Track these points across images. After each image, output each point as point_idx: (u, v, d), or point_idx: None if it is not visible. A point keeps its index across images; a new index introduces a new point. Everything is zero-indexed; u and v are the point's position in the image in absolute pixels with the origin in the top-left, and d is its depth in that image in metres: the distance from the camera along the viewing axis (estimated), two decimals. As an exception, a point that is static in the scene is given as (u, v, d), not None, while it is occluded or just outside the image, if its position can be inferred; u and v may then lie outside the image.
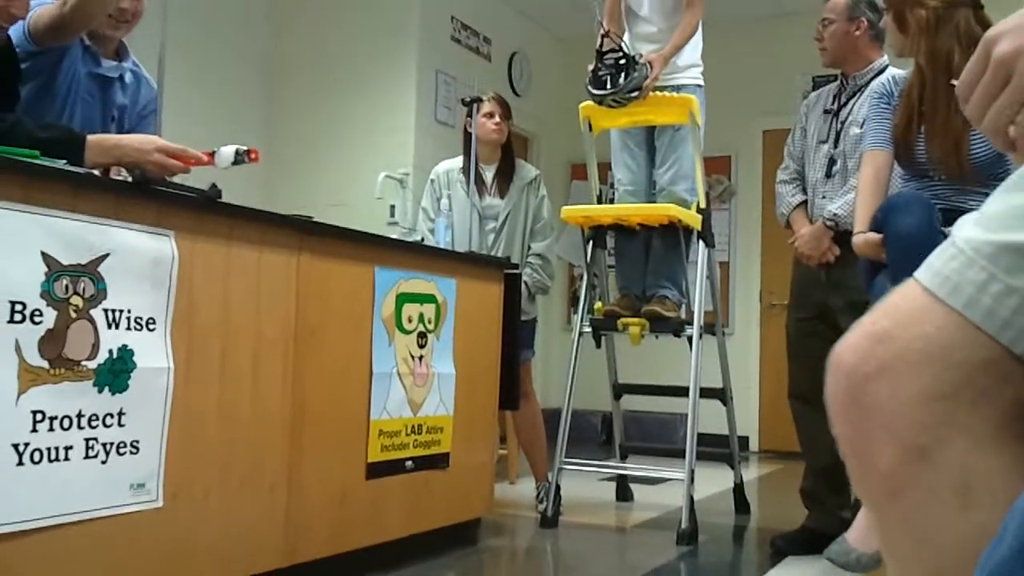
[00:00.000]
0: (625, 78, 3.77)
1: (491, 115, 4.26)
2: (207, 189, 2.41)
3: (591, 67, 3.86)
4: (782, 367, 3.77)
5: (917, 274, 0.74)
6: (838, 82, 3.68)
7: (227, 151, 2.52)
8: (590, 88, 3.85)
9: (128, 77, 3.00)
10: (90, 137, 2.33)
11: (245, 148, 2.53)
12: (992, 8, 2.58)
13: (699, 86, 4.14)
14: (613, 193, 4.37)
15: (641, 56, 3.84)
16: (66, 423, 2.01)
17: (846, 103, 3.59)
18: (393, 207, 5.84)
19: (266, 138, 6.25)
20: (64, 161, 2.12)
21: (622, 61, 3.81)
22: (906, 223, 2.46)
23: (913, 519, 0.72)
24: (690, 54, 4.14)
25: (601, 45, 3.87)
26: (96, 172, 2.26)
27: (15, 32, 2.59)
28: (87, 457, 2.06)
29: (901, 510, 0.72)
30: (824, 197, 3.56)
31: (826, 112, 3.65)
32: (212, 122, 5.67)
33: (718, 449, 4.61)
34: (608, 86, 3.80)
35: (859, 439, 0.74)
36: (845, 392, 0.74)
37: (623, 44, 3.92)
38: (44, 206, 2.00)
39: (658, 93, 3.93)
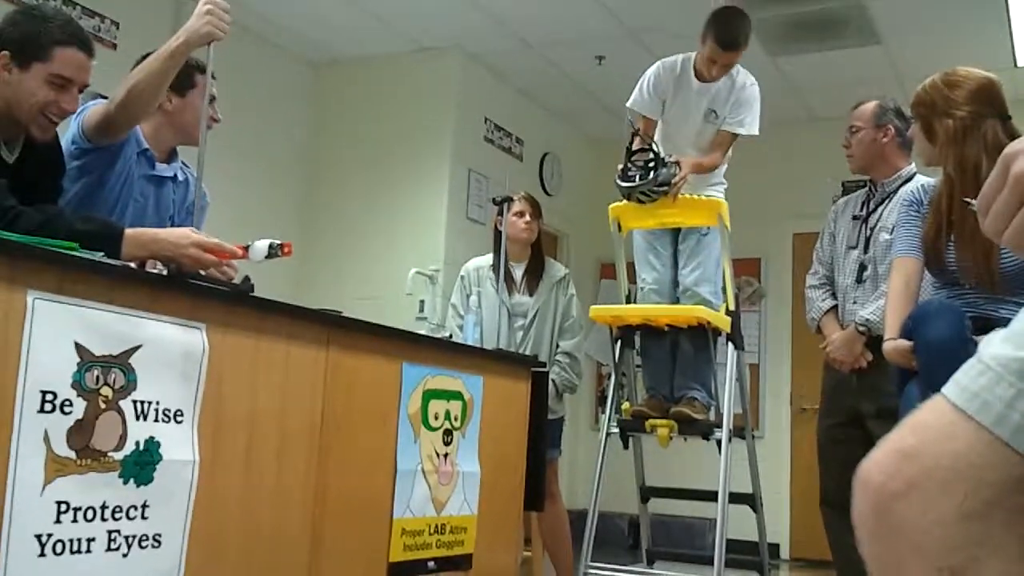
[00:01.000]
0: (654, 174, 3.82)
1: (521, 214, 4.31)
2: (240, 283, 2.44)
3: (620, 165, 3.92)
4: (813, 473, 3.71)
5: (945, 390, 0.74)
6: (867, 188, 3.71)
7: (261, 245, 2.56)
8: (619, 181, 3.89)
9: (179, 176, 3.09)
10: (128, 231, 2.38)
11: (279, 242, 2.57)
12: (1020, 120, 2.61)
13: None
14: (637, 292, 4.39)
15: (671, 156, 3.90)
16: (90, 514, 2.01)
17: (875, 209, 3.61)
18: (423, 303, 5.89)
19: (300, 231, 6.35)
20: (102, 254, 2.16)
21: (651, 161, 3.86)
22: (936, 331, 2.44)
23: None
24: (716, 175, 4.22)
25: (631, 144, 3.93)
26: (133, 265, 2.30)
27: (70, 128, 2.68)
28: (109, 550, 2.04)
29: None
30: (855, 302, 3.56)
31: (855, 218, 3.67)
32: (248, 215, 5.77)
33: (748, 557, 4.51)
34: (637, 180, 3.84)
35: (888, 559, 0.72)
36: (873, 511, 0.73)
37: (653, 144, 3.98)
38: (79, 297, 2.03)
39: (687, 196, 3.97)
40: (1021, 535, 0.68)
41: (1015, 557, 0.68)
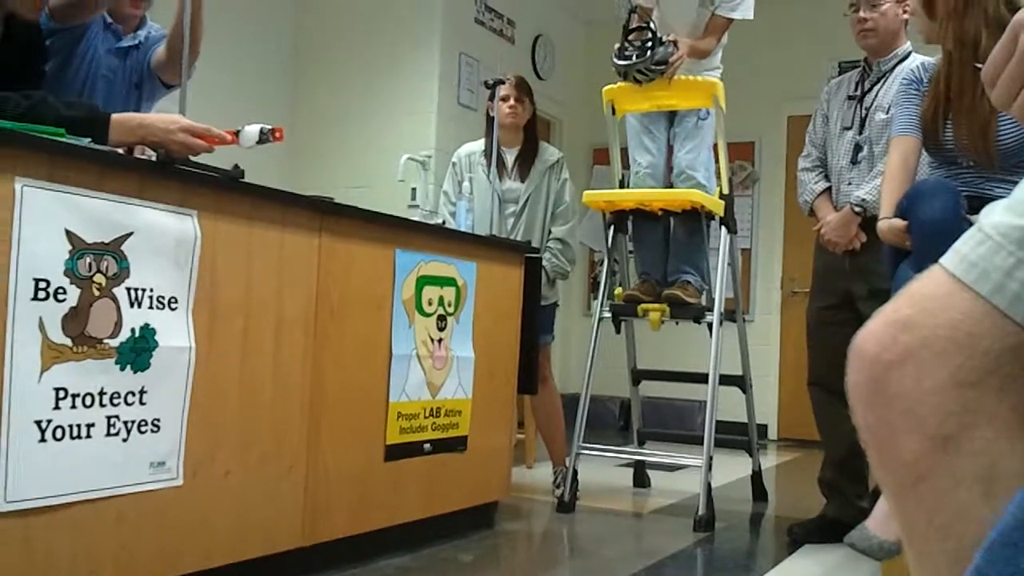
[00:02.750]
0: (651, 53, 3.76)
1: (507, 98, 4.24)
2: (230, 169, 2.41)
3: (617, 44, 3.85)
4: (802, 355, 3.76)
5: (943, 260, 0.74)
6: (861, 68, 3.64)
7: (251, 130, 2.52)
8: (615, 59, 3.84)
9: (143, 39, 3.01)
10: (115, 116, 2.33)
11: (270, 127, 2.54)
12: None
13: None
14: (631, 176, 4.36)
15: (668, 35, 3.83)
16: (88, 400, 2.03)
17: (870, 89, 3.55)
18: (415, 190, 5.85)
19: (289, 120, 6.27)
20: (89, 139, 2.13)
21: (648, 40, 3.79)
22: (931, 210, 2.44)
23: (936, 507, 0.71)
24: (713, 58, 4.16)
25: (628, 22, 3.86)
26: (120, 151, 2.27)
27: None
28: (108, 435, 2.07)
29: (924, 499, 0.72)
30: (850, 184, 3.54)
31: (850, 98, 3.61)
32: (235, 103, 5.68)
33: (736, 436, 4.60)
34: (634, 58, 3.79)
35: (882, 428, 0.73)
36: (867, 381, 0.73)
37: (652, 22, 3.90)
38: (69, 184, 2.01)
39: (683, 77, 3.92)
40: (1013, 404, 0.68)
41: (1006, 425, 0.69)
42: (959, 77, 2.59)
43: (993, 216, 0.72)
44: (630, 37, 3.83)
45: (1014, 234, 0.69)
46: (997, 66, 0.82)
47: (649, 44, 3.77)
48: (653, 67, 3.79)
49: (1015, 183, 0.76)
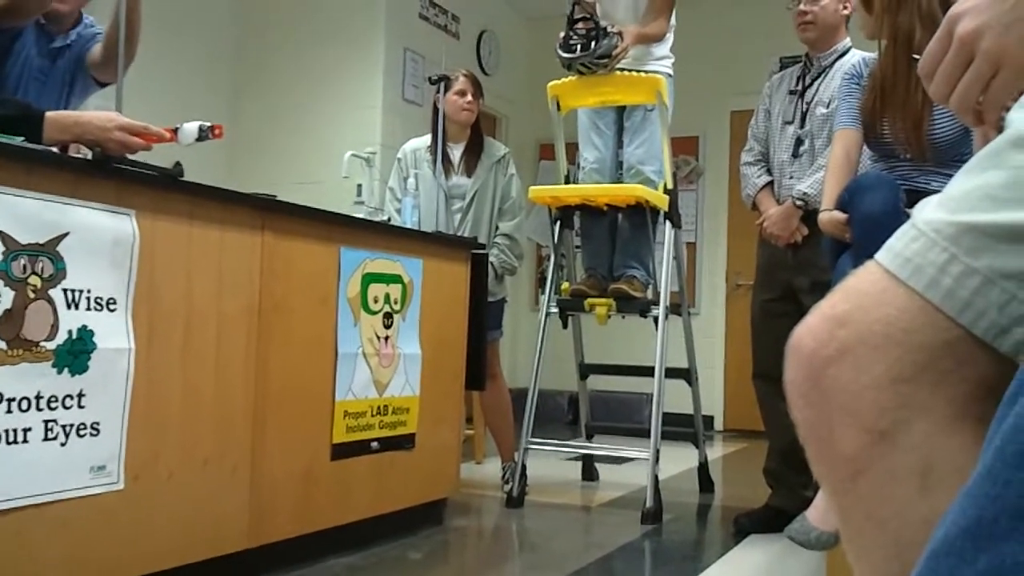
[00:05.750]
0: (595, 45, 3.76)
1: (463, 93, 4.22)
2: (170, 167, 2.37)
3: (562, 34, 3.85)
4: (747, 347, 3.79)
5: (878, 256, 0.74)
6: (802, 63, 3.69)
7: (190, 127, 2.48)
8: (560, 51, 3.83)
9: (75, 37, 2.94)
10: (49, 114, 2.28)
11: (209, 124, 2.50)
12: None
13: (670, 75, 4.15)
14: (579, 172, 4.37)
15: (612, 27, 3.83)
16: (24, 405, 1.98)
17: (811, 83, 3.60)
18: (360, 186, 5.79)
19: (230, 116, 6.18)
20: (22, 138, 2.08)
21: (593, 30, 3.79)
22: (871, 203, 2.47)
23: (873, 502, 0.72)
24: (663, 47, 4.15)
25: (572, 12, 3.86)
26: (55, 149, 2.22)
27: None
28: (46, 439, 2.03)
29: (861, 493, 0.72)
30: (792, 177, 3.58)
31: (791, 93, 3.66)
32: (174, 99, 5.59)
33: (683, 429, 4.64)
34: (578, 51, 3.79)
35: (820, 423, 0.74)
36: (805, 376, 0.74)
37: (595, 13, 3.91)
38: (1, 184, 1.96)
39: (628, 73, 3.93)
40: (948, 398, 0.69)
41: (942, 419, 0.69)
42: (894, 71, 2.63)
43: (926, 212, 0.73)
44: (576, 27, 3.83)
45: (947, 230, 0.70)
46: (933, 60, 0.83)
47: (593, 36, 3.77)
48: (597, 60, 3.79)
49: (951, 177, 0.77)
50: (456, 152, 4.29)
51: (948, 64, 0.81)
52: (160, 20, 5.44)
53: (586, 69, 3.85)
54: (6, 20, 2.64)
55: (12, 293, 1.96)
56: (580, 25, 3.83)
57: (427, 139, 4.32)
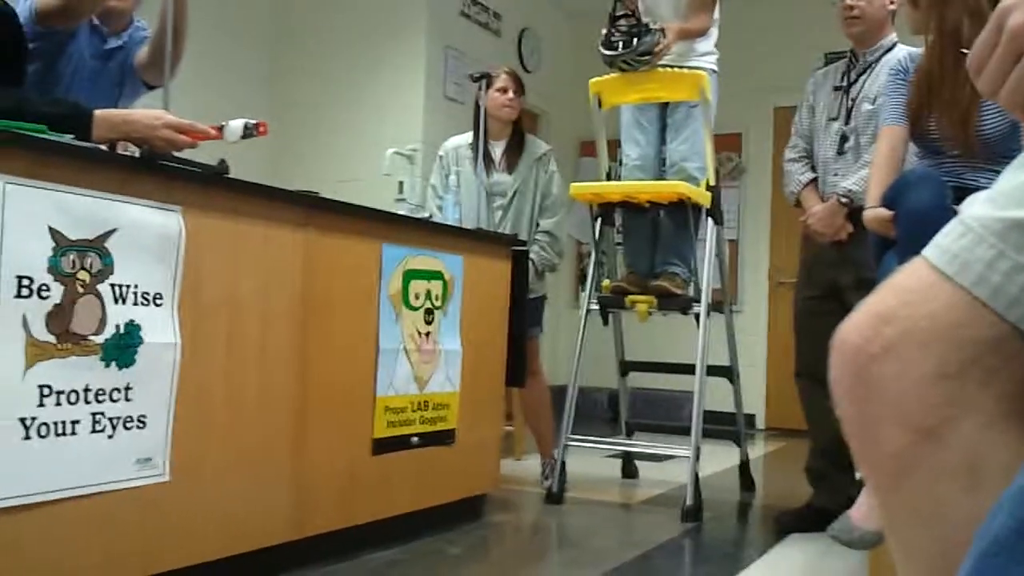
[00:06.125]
0: (638, 42, 3.75)
1: (504, 90, 4.22)
2: (215, 164, 2.40)
3: (604, 31, 3.84)
4: (789, 345, 3.76)
5: (925, 252, 0.74)
6: (847, 59, 3.65)
7: (236, 125, 2.51)
8: (602, 49, 3.82)
9: (127, 39, 2.99)
10: (98, 112, 2.32)
11: (254, 122, 2.52)
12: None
13: (714, 71, 4.12)
14: (621, 169, 4.36)
15: (655, 23, 3.82)
16: (73, 398, 2.02)
17: (856, 79, 3.56)
18: (402, 183, 5.82)
19: (273, 115, 6.23)
20: (72, 136, 2.11)
21: (635, 27, 3.78)
22: (917, 200, 2.44)
23: (919, 500, 0.71)
24: (707, 42, 4.12)
25: (614, 10, 3.84)
26: (103, 147, 2.26)
27: (21, 13, 2.58)
28: (94, 432, 2.07)
29: (907, 491, 0.72)
30: (836, 174, 3.54)
31: (836, 89, 3.62)
32: (218, 99, 5.65)
33: (724, 427, 4.61)
34: (620, 48, 3.77)
35: (865, 421, 0.73)
36: (851, 373, 0.73)
37: (637, 10, 3.90)
38: (51, 181, 2.00)
39: (671, 69, 3.91)
40: (995, 395, 0.68)
41: (989, 417, 0.69)
42: (941, 66, 2.60)
43: (974, 208, 0.72)
44: (618, 24, 3.82)
45: (995, 226, 0.69)
46: (983, 54, 0.82)
47: (635, 32, 3.76)
48: (639, 57, 3.78)
49: (999, 173, 0.76)
50: (497, 149, 4.30)
51: (998, 59, 0.80)
52: (202, 20, 5.51)
53: (628, 66, 3.84)
54: (61, 20, 2.68)
55: (62, 288, 2.00)
56: (622, 22, 3.82)
57: (469, 136, 4.33)
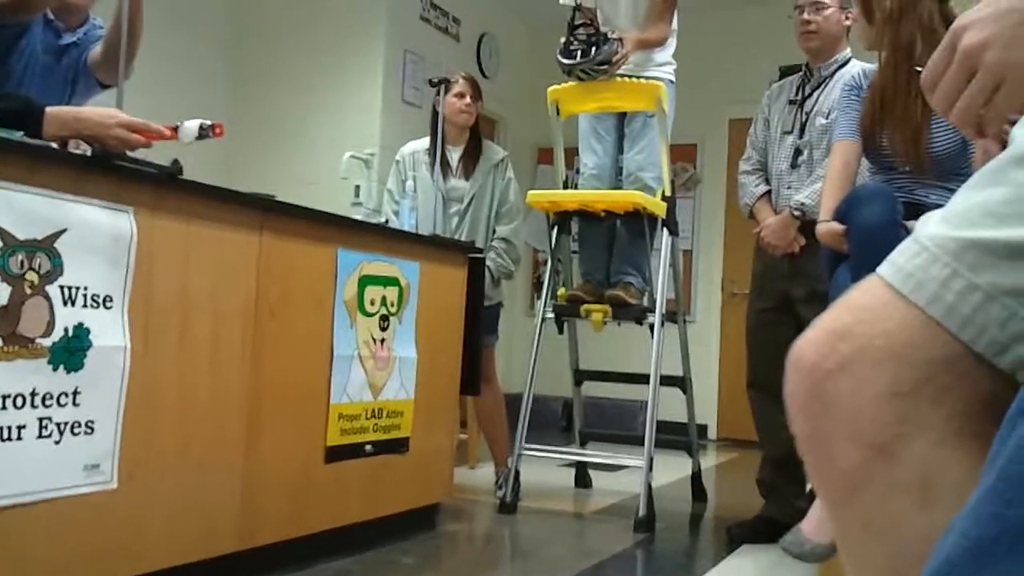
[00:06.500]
0: (596, 51, 3.76)
1: (462, 95, 4.22)
2: (169, 164, 2.37)
3: (562, 39, 3.85)
4: (742, 356, 3.79)
5: (880, 270, 0.74)
6: (802, 73, 3.69)
7: (191, 125, 2.48)
8: (560, 58, 3.84)
9: (82, 36, 2.94)
10: (49, 109, 2.28)
11: (209, 123, 2.49)
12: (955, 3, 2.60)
13: (671, 82, 4.15)
14: (578, 178, 4.37)
15: (613, 32, 3.84)
16: (19, 402, 1.98)
17: (811, 93, 3.60)
18: (358, 188, 5.80)
19: (230, 115, 6.17)
20: (22, 133, 2.07)
21: (593, 36, 3.80)
22: (869, 215, 2.47)
23: (872, 516, 0.72)
24: (664, 53, 4.15)
25: (573, 19, 3.86)
26: (54, 145, 2.22)
27: None
28: (40, 437, 2.02)
29: (860, 507, 0.72)
30: (790, 187, 3.58)
31: (791, 103, 3.66)
32: (174, 99, 5.58)
33: (677, 437, 4.64)
34: (579, 57, 3.79)
35: (819, 436, 0.74)
36: (806, 389, 0.74)
37: (595, 19, 3.92)
38: (2, 179, 1.95)
39: (628, 79, 3.93)
40: (947, 414, 0.69)
41: (941, 435, 0.69)
42: (894, 83, 2.64)
43: (929, 227, 0.73)
44: (576, 32, 3.83)
45: (950, 245, 0.70)
46: (936, 72, 0.83)
47: (594, 42, 3.77)
48: (597, 67, 3.80)
49: (951, 190, 0.78)
50: (455, 155, 4.30)
51: (951, 77, 0.81)
52: (159, 18, 5.44)
53: (586, 75, 3.86)
54: (14, 14, 2.63)
55: (9, 289, 1.96)
56: (581, 31, 3.84)
57: (426, 141, 4.32)
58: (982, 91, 0.80)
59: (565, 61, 3.83)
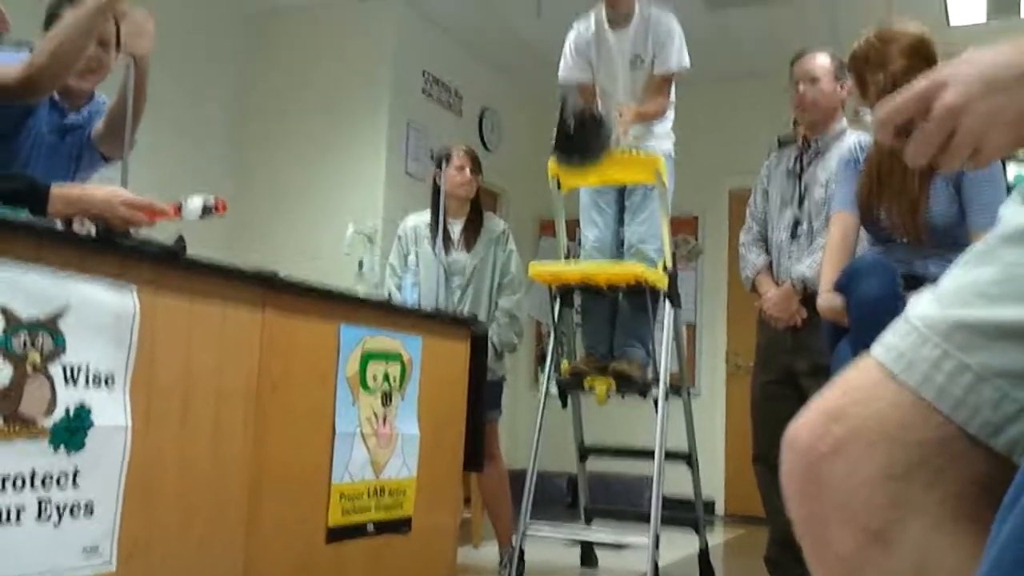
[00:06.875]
0: (595, 138, 3.75)
1: (462, 168, 4.26)
2: (173, 243, 2.39)
3: (555, 131, 3.79)
4: (748, 430, 3.77)
5: (873, 350, 0.74)
6: (799, 144, 3.73)
7: (194, 203, 2.51)
8: (556, 153, 3.82)
9: (87, 115, 2.98)
10: (54, 188, 2.30)
11: (213, 199, 2.52)
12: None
13: (670, 155, 4.19)
14: (580, 250, 4.39)
15: (606, 111, 3.85)
16: (19, 483, 1.96)
17: (809, 164, 3.64)
18: (361, 262, 5.83)
19: (233, 189, 6.23)
20: (26, 212, 2.09)
21: (586, 122, 3.77)
22: (868, 288, 2.48)
23: None
24: (663, 124, 4.20)
25: (563, 110, 3.85)
26: (59, 223, 2.24)
27: None
28: (39, 519, 2.00)
29: None
30: (790, 258, 3.60)
31: (789, 174, 3.69)
32: (177, 172, 5.64)
33: (684, 513, 4.58)
34: (575, 154, 3.77)
35: (815, 520, 0.73)
36: (801, 471, 0.73)
37: (587, 109, 3.93)
38: (5, 258, 1.97)
39: (628, 152, 3.96)
40: (943, 498, 0.69)
41: (935, 519, 0.69)
42: (890, 156, 2.66)
43: (920, 307, 0.73)
44: (567, 123, 3.77)
45: (940, 326, 0.71)
46: (900, 114, 0.83)
47: (587, 131, 3.74)
48: (595, 158, 3.79)
49: (949, 261, 0.78)
50: (456, 228, 4.32)
51: (931, 134, 0.81)
52: (163, 93, 5.53)
53: (585, 166, 3.85)
54: (20, 96, 2.68)
55: (11, 369, 1.96)
56: (572, 120, 3.79)
57: (427, 215, 4.36)
58: (958, 154, 0.80)
59: (562, 158, 3.81)
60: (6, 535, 1.93)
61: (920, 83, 0.82)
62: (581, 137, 3.75)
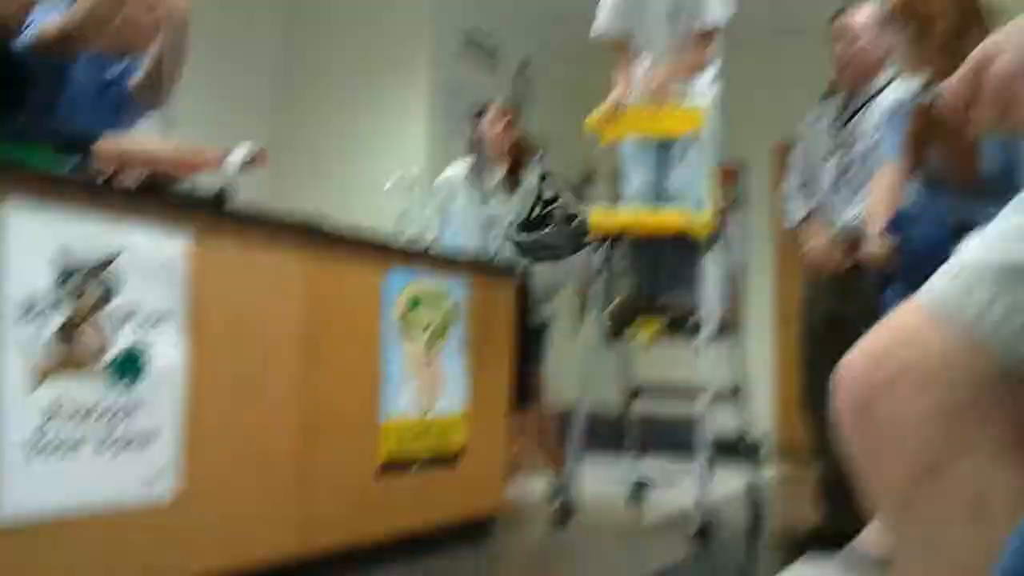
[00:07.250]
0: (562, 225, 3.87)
1: (497, 121, 4.28)
2: (217, 192, 2.42)
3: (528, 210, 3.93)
4: (793, 376, 3.76)
5: (921, 293, 0.74)
6: (844, 94, 3.66)
7: (236, 154, 2.54)
8: (516, 232, 3.93)
9: (129, 66, 3.00)
10: (103, 139, 2.34)
11: (253, 151, 2.55)
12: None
13: (713, 107, 4.12)
14: (622, 200, 4.37)
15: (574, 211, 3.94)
16: (78, 419, 2.03)
17: (853, 115, 3.58)
18: (403, 212, 5.85)
19: (275, 147, 6.21)
20: (75, 161, 2.13)
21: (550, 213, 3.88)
22: (917, 232, 2.46)
23: (925, 532, 0.72)
24: (705, 78, 4.12)
25: (540, 191, 3.92)
26: (107, 173, 2.27)
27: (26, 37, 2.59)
28: (98, 452, 2.08)
29: (914, 520, 0.73)
30: (834, 208, 3.56)
31: (832, 125, 3.64)
32: (221, 131, 5.67)
33: (732, 451, 4.59)
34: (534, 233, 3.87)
35: (869, 452, 0.74)
36: (852, 408, 0.74)
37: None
38: (56, 206, 2.01)
39: (670, 105, 3.92)
40: (996, 433, 0.69)
41: (989, 454, 0.69)
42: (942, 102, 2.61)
43: (968, 251, 0.73)
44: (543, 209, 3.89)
45: (988, 269, 0.71)
46: (962, 97, 0.83)
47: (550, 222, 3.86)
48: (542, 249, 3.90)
49: (999, 206, 0.78)
50: (494, 179, 4.33)
51: (989, 103, 0.80)
52: (205, 57, 5.55)
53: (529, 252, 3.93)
54: (59, 52, 2.68)
55: (67, 311, 2.01)
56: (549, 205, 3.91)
57: (464, 167, 4.36)
58: (1015, 118, 0.80)
59: (520, 236, 3.90)
60: (68, 466, 2.01)
61: (974, 55, 0.81)
62: (554, 235, 3.85)
